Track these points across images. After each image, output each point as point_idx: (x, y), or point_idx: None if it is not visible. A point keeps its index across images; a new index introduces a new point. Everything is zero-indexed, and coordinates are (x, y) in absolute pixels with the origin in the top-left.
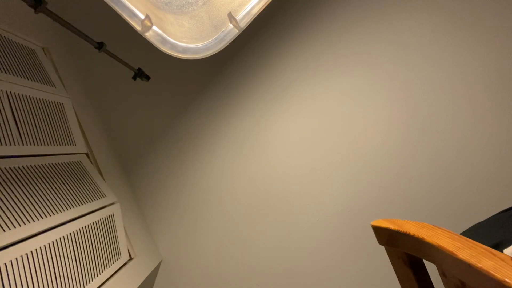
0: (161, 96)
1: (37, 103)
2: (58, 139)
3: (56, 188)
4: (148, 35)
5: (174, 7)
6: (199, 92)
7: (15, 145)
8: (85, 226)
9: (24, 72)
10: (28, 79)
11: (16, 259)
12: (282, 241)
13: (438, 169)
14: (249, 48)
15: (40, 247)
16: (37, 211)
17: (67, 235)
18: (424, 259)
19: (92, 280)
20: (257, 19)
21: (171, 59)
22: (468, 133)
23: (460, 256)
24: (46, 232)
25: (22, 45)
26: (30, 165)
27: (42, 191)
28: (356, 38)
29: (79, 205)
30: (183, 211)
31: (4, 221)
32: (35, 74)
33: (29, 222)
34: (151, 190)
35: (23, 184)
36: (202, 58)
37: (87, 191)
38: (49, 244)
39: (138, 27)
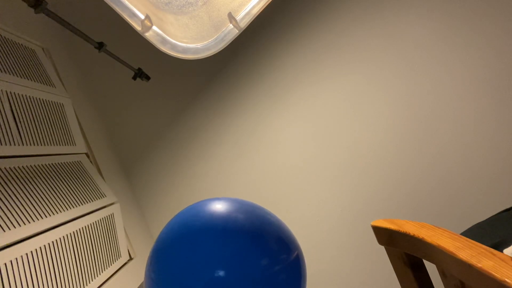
0: (161, 96)
1: (37, 103)
2: (58, 139)
3: (56, 188)
4: (148, 35)
5: (174, 7)
6: (199, 92)
7: (15, 145)
8: (85, 226)
9: (24, 72)
10: (28, 79)
11: (16, 259)
12: None
13: (438, 169)
14: (249, 48)
15: (40, 247)
16: (37, 211)
17: (67, 235)
18: (424, 259)
19: (92, 280)
20: (257, 19)
21: (171, 59)
22: (469, 133)
23: (460, 256)
24: (46, 232)
25: (22, 45)
26: (30, 165)
27: (42, 191)
28: (357, 37)
29: (79, 205)
30: None
31: (4, 221)
32: (35, 74)
33: (29, 222)
34: (151, 190)
35: (23, 184)
36: (202, 58)
37: (87, 191)
38: (49, 244)
39: (138, 27)
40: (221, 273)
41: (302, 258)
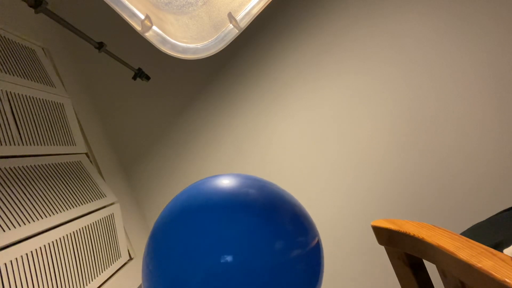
0: (161, 96)
1: (37, 103)
2: (58, 139)
3: (56, 188)
4: (148, 35)
5: (174, 7)
6: (199, 92)
7: (15, 145)
8: (85, 226)
9: (24, 72)
10: (28, 79)
11: (16, 259)
12: None
13: (438, 169)
14: (249, 48)
15: (40, 247)
16: (37, 211)
17: (67, 235)
18: (424, 259)
19: (92, 280)
20: (257, 19)
21: (171, 59)
22: (469, 133)
23: (460, 256)
24: (46, 232)
25: (22, 45)
26: (30, 165)
27: (42, 191)
28: (357, 38)
29: (79, 205)
30: None
31: (4, 221)
32: (35, 74)
33: (29, 222)
34: (151, 190)
35: (23, 184)
36: (202, 58)
37: (87, 191)
38: (49, 244)
39: (138, 27)
40: (227, 258)
41: (322, 248)
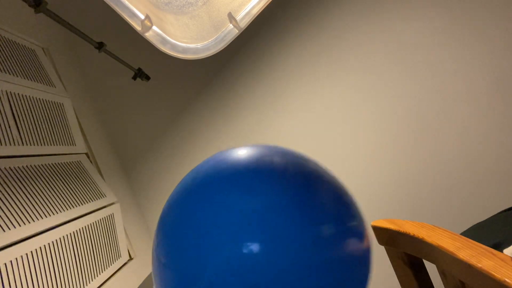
0: (161, 96)
1: (37, 103)
2: (58, 139)
3: (56, 188)
4: (148, 35)
5: (174, 7)
6: (199, 92)
7: (15, 145)
8: (85, 226)
9: (24, 72)
10: (28, 79)
11: (16, 259)
12: None
13: (438, 169)
14: (249, 48)
15: (40, 247)
16: (37, 211)
17: (67, 235)
18: (424, 259)
19: (92, 280)
20: (257, 19)
21: (171, 59)
22: (468, 133)
23: (460, 256)
24: (46, 232)
25: (22, 45)
26: (30, 165)
27: (42, 191)
28: (357, 37)
29: (79, 205)
30: None
31: (4, 221)
32: (35, 74)
33: (29, 222)
34: (151, 190)
35: (23, 184)
36: (202, 58)
37: (87, 191)
38: (49, 244)
39: (138, 27)
40: (251, 246)
41: (371, 249)
